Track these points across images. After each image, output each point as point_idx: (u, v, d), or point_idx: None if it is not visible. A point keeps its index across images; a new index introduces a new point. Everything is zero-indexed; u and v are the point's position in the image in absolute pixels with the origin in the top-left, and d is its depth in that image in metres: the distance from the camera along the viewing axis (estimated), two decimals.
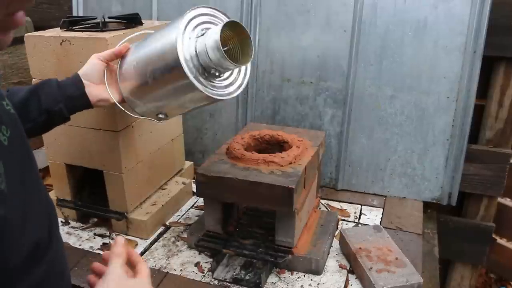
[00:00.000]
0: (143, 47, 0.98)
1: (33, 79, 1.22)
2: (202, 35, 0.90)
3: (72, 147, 1.26)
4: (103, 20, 1.22)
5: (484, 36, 1.32)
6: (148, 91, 0.98)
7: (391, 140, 1.48)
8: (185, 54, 0.87)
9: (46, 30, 1.23)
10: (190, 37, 0.90)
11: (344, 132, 1.52)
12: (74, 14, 1.76)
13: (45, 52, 1.18)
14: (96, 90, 0.99)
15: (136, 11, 1.33)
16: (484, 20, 1.31)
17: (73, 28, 1.23)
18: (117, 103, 1.02)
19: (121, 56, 1.02)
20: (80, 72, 0.99)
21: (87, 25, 1.24)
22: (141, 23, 1.29)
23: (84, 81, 0.98)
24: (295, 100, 1.56)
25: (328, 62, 1.48)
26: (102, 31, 1.18)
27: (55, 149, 1.30)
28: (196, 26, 0.92)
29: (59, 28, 1.24)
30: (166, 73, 0.91)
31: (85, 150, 1.25)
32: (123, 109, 1.05)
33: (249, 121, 1.61)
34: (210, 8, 0.96)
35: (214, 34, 0.87)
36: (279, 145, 1.26)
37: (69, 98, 0.96)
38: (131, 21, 1.28)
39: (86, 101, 0.98)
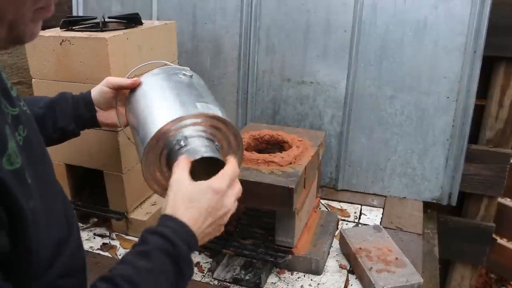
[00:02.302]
0: (145, 106, 0.89)
1: (33, 79, 1.23)
2: (182, 147, 0.78)
3: (72, 147, 1.26)
4: (103, 20, 1.22)
5: (484, 36, 1.32)
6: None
7: (391, 140, 1.48)
8: (156, 151, 0.80)
9: (46, 30, 1.22)
10: (174, 136, 0.79)
11: (344, 132, 1.52)
12: (74, 14, 1.76)
13: (45, 52, 1.18)
14: (104, 115, 1.01)
15: (136, 11, 1.33)
16: (484, 20, 1.31)
17: (73, 28, 1.23)
18: (124, 130, 1.03)
19: (132, 88, 0.98)
20: (92, 95, 0.99)
21: (87, 25, 1.24)
22: (141, 23, 1.29)
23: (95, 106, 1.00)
24: (295, 100, 1.56)
25: (328, 62, 1.48)
26: (102, 31, 1.18)
27: (55, 149, 1.28)
28: (194, 127, 0.80)
29: (59, 28, 1.24)
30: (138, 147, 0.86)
31: (85, 150, 1.25)
32: (127, 136, 1.05)
33: (249, 121, 1.61)
34: (221, 119, 0.81)
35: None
36: (279, 145, 1.26)
37: (80, 118, 0.98)
38: (131, 21, 1.28)
39: (95, 123, 1.01)
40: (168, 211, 0.65)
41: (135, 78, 0.98)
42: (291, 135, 1.26)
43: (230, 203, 0.71)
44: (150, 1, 1.65)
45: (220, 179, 0.70)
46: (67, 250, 0.62)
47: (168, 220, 0.64)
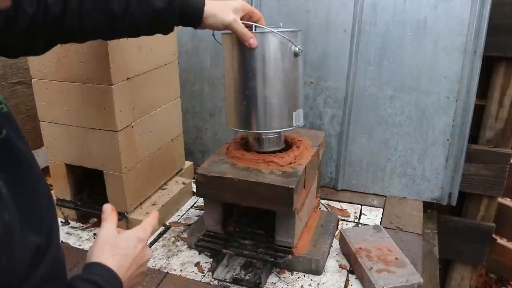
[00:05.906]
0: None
1: (33, 79, 1.23)
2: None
3: (72, 147, 1.26)
4: None
5: (484, 36, 1.32)
6: None
7: (391, 140, 1.48)
8: None
9: None
10: None
11: (344, 132, 1.52)
12: None
13: None
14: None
15: None
16: (484, 20, 1.31)
17: None
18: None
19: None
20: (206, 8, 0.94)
21: None
22: None
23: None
24: None
25: (328, 62, 1.48)
26: None
27: (55, 149, 1.30)
28: None
29: None
30: None
31: (85, 150, 1.25)
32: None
33: None
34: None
35: None
36: None
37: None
38: None
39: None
40: (96, 259, 0.67)
41: (255, 43, 1.01)
42: (291, 135, 1.26)
43: (149, 252, 0.75)
44: None
45: (144, 229, 0.74)
46: (48, 256, 0.60)
47: (97, 268, 0.66)
